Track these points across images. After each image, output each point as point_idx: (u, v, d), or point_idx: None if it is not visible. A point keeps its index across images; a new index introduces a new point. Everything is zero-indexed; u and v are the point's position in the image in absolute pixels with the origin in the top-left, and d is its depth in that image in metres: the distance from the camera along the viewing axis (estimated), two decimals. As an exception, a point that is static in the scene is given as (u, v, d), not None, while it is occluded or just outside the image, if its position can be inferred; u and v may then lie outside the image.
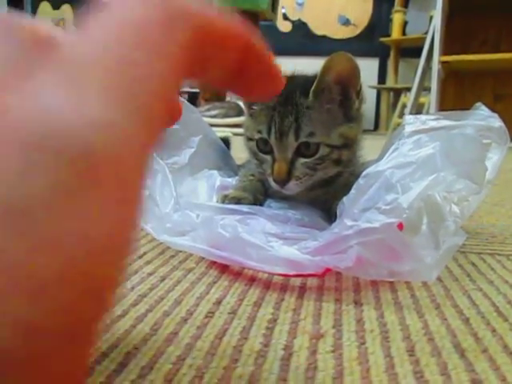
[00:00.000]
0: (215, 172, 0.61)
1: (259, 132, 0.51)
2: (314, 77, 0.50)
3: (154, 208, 0.44)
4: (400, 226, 0.33)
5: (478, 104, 0.48)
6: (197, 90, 3.54)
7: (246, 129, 0.55)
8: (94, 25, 0.12)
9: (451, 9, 2.72)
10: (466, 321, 0.30)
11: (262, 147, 0.52)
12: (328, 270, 0.34)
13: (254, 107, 0.53)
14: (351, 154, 0.52)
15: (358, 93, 0.51)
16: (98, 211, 0.10)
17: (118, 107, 0.11)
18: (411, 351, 0.26)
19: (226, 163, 0.67)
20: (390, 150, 0.39)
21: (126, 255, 0.11)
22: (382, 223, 0.33)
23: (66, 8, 5.12)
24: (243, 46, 0.16)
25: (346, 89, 0.49)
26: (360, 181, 0.39)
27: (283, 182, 0.49)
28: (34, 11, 5.05)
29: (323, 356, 0.25)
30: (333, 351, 0.26)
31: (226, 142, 0.74)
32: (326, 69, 0.48)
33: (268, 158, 0.51)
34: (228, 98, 3.54)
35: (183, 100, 0.56)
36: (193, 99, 3.47)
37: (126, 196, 0.11)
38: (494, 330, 0.29)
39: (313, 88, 0.49)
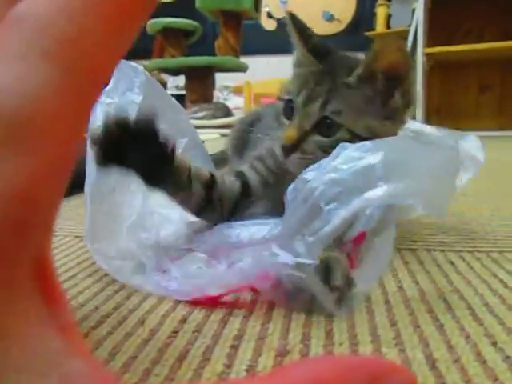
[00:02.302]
0: None
1: (289, 93, 0.48)
2: (363, 59, 0.48)
3: (109, 225, 0.42)
4: (360, 238, 0.32)
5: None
6: (183, 92, 3.53)
7: (280, 89, 0.52)
8: None
9: (434, 0, 2.72)
10: (441, 327, 0.29)
11: (287, 110, 0.49)
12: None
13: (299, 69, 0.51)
14: None
15: (404, 93, 0.47)
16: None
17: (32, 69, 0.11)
18: (380, 365, 0.25)
19: (209, 168, 0.66)
20: (334, 154, 0.36)
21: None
22: (298, 263, 0.31)
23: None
24: None
25: (392, 84, 0.46)
26: (290, 195, 0.35)
27: (288, 151, 0.45)
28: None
29: (287, 375, 0.24)
30: (298, 369, 0.25)
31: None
32: (376, 54, 0.45)
33: (287, 123, 0.48)
34: (215, 99, 3.53)
35: (172, 99, 0.54)
36: (179, 101, 3.45)
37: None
38: (468, 336, 0.28)
39: (358, 69, 0.46)
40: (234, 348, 0.27)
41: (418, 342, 0.27)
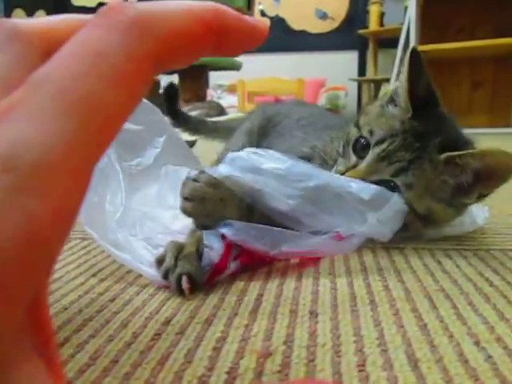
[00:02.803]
0: (179, 167, 0.60)
1: (370, 133, 0.46)
2: (466, 140, 0.46)
3: (101, 217, 0.42)
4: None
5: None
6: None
7: (365, 112, 0.50)
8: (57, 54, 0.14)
9: (425, -2, 2.73)
10: (424, 327, 0.29)
11: (357, 146, 0.46)
12: None
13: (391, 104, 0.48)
14: (421, 228, 0.46)
15: (483, 195, 0.45)
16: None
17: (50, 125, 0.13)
18: (362, 366, 0.25)
19: (190, 163, 0.66)
20: None
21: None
22: None
23: (40, 14, 5.04)
24: (214, 30, 0.17)
25: (477, 182, 0.44)
26: None
27: None
28: (7, 18, 4.97)
29: (268, 377, 0.24)
30: (279, 371, 0.24)
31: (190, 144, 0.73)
32: (480, 156, 0.42)
33: (353, 158, 0.46)
34: (209, 98, 3.52)
35: (146, 101, 0.54)
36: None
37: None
38: (451, 336, 0.28)
39: (452, 155, 0.43)
40: (217, 350, 0.27)
41: (401, 342, 0.27)
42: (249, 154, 0.41)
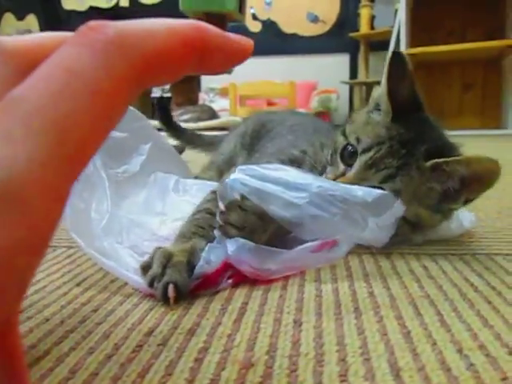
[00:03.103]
0: (168, 175, 0.60)
1: (357, 140, 0.46)
2: (452, 145, 0.47)
3: (87, 224, 0.42)
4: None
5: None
6: (169, 95, 3.51)
7: (352, 120, 0.50)
8: (36, 72, 0.14)
9: (416, 1, 2.75)
10: (407, 334, 0.29)
11: (344, 154, 0.46)
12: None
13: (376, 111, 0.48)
14: (409, 234, 0.47)
15: (469, 200, 0.46)
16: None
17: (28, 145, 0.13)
18: (344, 376, 0.25)
19: (178, 169, 0.66)
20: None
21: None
22: None
23: (30, 18, 5.01)
24: (196, 48, 0.17)
25: (464, 188, 0.44)
26: None
27: None
28: (-2, 22, 4.94)
29: (249, 389, 0.24)
30: (261, 382, 0.24)
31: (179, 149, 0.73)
32: (466, 163, 0.43)
33: (342, 166, 0.46)
34: (200, 102, 3.51)
35: (130, 108, 0.54)
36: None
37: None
38: (434, 343, 0.28)
39: (439, 162, 0.43)
40: (198, 361, 0.26)
41: (383, 350, 0.27)
42: (256, 167, 0.42)
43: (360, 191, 0.39)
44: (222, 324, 0.31)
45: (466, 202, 0.46)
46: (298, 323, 0.31)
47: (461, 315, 0.32)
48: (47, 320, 0.32)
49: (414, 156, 0.44)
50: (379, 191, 0.40)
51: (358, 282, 0.38)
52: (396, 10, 3.02)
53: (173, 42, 0.17)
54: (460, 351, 0.27)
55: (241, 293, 0.36)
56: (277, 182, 0.40)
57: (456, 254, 0.45)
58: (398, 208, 0.41)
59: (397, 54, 0.47)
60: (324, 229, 0.39)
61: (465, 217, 0.52)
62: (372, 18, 3.87)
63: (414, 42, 2.72)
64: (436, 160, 0.43)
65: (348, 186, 0.41)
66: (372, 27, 3.86)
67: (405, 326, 0.30)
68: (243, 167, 0.42)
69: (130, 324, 0.31)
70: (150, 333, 0.30)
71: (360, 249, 0.47)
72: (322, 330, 0.30)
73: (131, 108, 0.54)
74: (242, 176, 0.40)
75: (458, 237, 0.51)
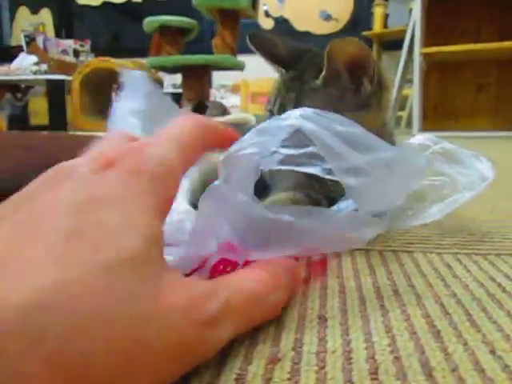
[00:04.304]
0: None
1: (268, 102, 0.51)
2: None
3: None
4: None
5: None
6: (180, 91, 3.51)
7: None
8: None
9: (430, 0, 2.72)
10: (437, 334, 0.28)
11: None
12: None
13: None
14: None
15: (371, 78, 0.48)
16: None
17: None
18: (374, 374, 0.24)
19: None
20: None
21: None
22: None
23: (44, 12, 5.04)
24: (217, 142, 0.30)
25: (358, 75, 0.47)
26: None
27: None
28: (12, 16, 4.97)
29: (278, 385, 0.23)
30: (289, 379, 0.24)
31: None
32: (329, 58, 0.46)
33: None
34: (212, 98, 3.51)
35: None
36: (176, 100, 3.44)
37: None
38: (465, 344, 0.27)
39: (322, 74, 0.47)
40: (224, 355, 0.26)
41: (413, 349, 0.26)
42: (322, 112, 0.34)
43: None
44: (244, 318, 0.30)
45: (377, 86, 0.48)
46: (322, 319, 0.30)
47: (490, 315, 0.31)
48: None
49: (304, 83, 0.48)
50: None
51: (381, 279, 0.37)
52: (410, 9, 2.99)
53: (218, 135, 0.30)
54: (493, 352, 0.26)
55: (262, 287, 0.36)
56: (345, 139, 0.32)
57: (479, 253, 0.44)
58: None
59: (252, 35, 0.53)
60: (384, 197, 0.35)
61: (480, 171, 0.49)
62: (386, 17, 3.85)
63: (427, 41, 2.69)
64: (321, 75, 0.47)
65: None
66: (385, 26, 3.84)
67: (433, 325, 0.29)
68: (303, 111, 0.33)
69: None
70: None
71: (381, 246, 0.46)
72: (347, 326, 0.29)
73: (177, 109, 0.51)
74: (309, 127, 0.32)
75: (480, 237, 0.50)
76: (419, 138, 0.52)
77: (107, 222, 0.19)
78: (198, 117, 0.28)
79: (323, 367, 0.25)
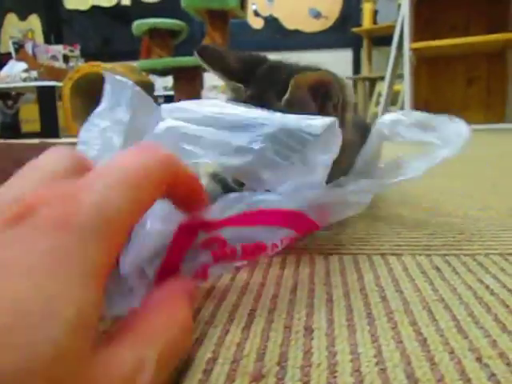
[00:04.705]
0: None
1: None
2: (294, 73, 0.47)
3: None
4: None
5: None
6: (172, 93, 3.50)
7: None
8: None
9: (419, -5, 2.72)
10: (424, 342, 0.28)
11: None
12: None
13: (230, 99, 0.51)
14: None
15: (336, 104, 0.47)
16: None
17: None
18: (359, 388, 0.24)
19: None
20: None
21: None
22: None
23: (32, 18, 5.01)
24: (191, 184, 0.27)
25: (323, 103, 0.46)
26: None
27: None
28: (0, 22, 4.93)
29: (261, 403, 0.23)
30: (272, 396, 0.23)
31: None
32: (295, 86, 0.45)
33: None
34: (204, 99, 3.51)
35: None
36: (168, 103, 3.42)
37: None
38: (451, 352, 0.27)
39: (286, 97, 0.45)
40: (207, 373, 0.25)
41: (399, 359, 0.26)
42: (186, 105, 0.36)
43: (307, 121, 0.35)
44: (230, 332, 0.30)
45: (337, 111, 0.47)
46: (308, 330, 0.30)
47: (477, 320, 0.30)
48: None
49: (269, 103, 0.45)
50: (327, 119, 0.35)
51: (369, 285, 0.37)
52: (399, 5, 2.99)
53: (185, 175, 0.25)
54: (479, 360, 0.26)
55: (249, 298, 0.35)
56: (219, 124, 0.33)
57: (468, 254, 0.44)
58: (339, 135, 0.36)
59: (200, 48, 0.50)
60: (281, 177, 0.35)
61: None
62: (375, 13, 3.85)
63: (417, 36, 2.70)
64: (284, 97, 0.45)
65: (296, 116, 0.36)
66: (375, 22, 3.84)
67: (420, 333, 0.29)
68: (168, 107, 0.36)
69: (135, 333, 0.31)
70: (156, 342, 0.29)
71: (369, 250, 0.46)
72: (334, 337, 0.29)
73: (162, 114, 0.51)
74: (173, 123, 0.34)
75: (469, 236, 0.49)
76: (390, 115, 0.52)
77: (10, 306, 0.13)
78: (163, 152, 0.22)
79: (308, 382, 0.24)
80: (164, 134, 0.33)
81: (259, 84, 0.48)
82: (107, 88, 0.36)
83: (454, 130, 0.48)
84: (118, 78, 0.37)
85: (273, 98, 0.46)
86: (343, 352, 0.27)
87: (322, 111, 0.46)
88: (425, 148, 0.49)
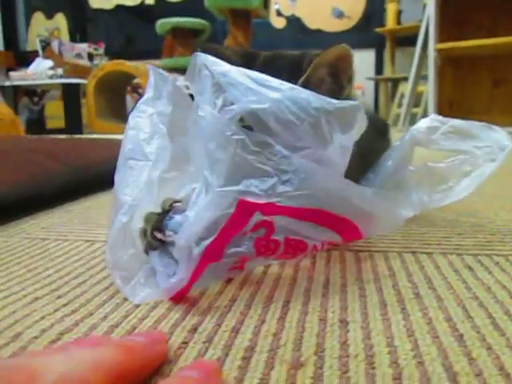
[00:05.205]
0: None
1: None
2: (301, 58, 0.47)
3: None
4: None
5: None
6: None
7: None
8: None
9: (445, -5, 2.68)
10: (460, 338, 0.28)
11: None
12: None
13: None
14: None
15: (350, 79, 0.48)
16: None
17: None
18: (398, 379, 0.24)
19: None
20: None
21: None
22: None
23: (59, 17, 5.10)
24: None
25: (338, 77, 0.47)
26: None
27: None
28: (27, 21, 5.05)
29: (301, 390, 0.23)
30: (312, 383, 0.24)
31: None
32: (319, 64, 0.45)
33: None
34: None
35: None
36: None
37: None
38: (489, 348, 0.27)
39: (303, 79, 0.45)
40: (246, 360, 0.26)
41: (437, 353, 0.26)
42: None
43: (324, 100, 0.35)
44: (265, 322, 0.31)
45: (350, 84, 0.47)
46: (344, 323, 0.30)
47: (514, 319, 0.30)
48: (91, 314, 0.33)
49: None
50: (345, 102, 0.36)
51: (401, 282, 0.37)
52: (424, 5, 2.95)
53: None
54: (518, 356, 0.26)
55: (281, 292, 0.36)
56: (248, 77, 0.35)
57: (501, 254, 0.44)
58: (363, 121, 0.37)
59: (204, 47, 0.47)
60: (291, 136, 0.35)
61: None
62: (399, 13, 3.80)
63: (442, 36, 2.65)
64: (296, 73, 0.44)
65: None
66: (399, 22, 3.79)
67: (456, 329, 0.29)
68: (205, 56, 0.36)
69: (173, 320, 0.31)
70: (194, 329, 0.30)
71: (399, 247, 0.46)
72: (369, 330, 0.29)
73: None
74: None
75: (501, 237, 0.49)
76: (426, 121, 0.52)
77: None
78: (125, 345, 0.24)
79: (346, 371, 0.25)
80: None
81: (263, 70, 0.47)
82: (151, 79, 0.37)
83: (494, 139, 0.48)
84: (160, 71, 0.38)
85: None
86: (380, 345, 0.27)
87: (336, 86, 0.46)
88: (460, 156, 0.49)
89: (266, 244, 0.34)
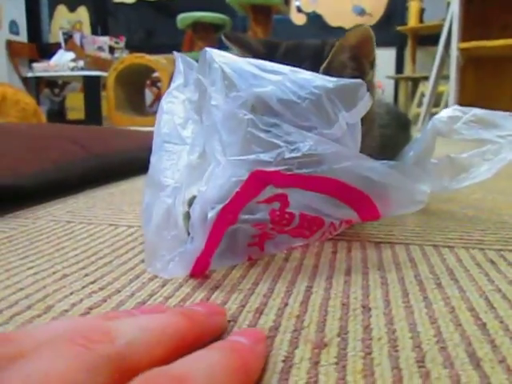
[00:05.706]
0: None
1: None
2: (322, 46, 0.48)
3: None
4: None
5: None
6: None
7: None
8: None
9: (470, -7, 2.64)
10: (483, 326, 0.28)
11: None
12: None
13: None
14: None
15: (372, 63, 0.48)
16: None
17: None
18: (421, 362, 0.24)
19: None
20: None
21: None
22: None
23: (81, 10, 5.16)
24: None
25: (360, 62, 0.47)
26: None
27: None
28: (50, 14, 5.12)
29: (325, 368, 0.24)
30: (336, 363, 0.24)
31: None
32: (341, 47, 0.45)
33: None
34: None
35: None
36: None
37: None
38: (513, 337, 0.27)
39: (324, 65, 0.45)
40: (270, 339, 0.27)
41: (460, 340, 0.26)
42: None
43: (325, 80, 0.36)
44: (288, 305, 0.31)
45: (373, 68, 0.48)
46: (366, 308, 0.31)
47: (538, 311, 0.30)
48: (119, 291, 0.34)
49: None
50: (347, 80, 0.37)
51: (423, 272, 0.37)
52: (448, 3, 2.90)
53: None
54: (542, 346, 0.26)
55: (304, 277, 0.36)
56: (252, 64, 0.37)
57: (524, 250, 0.43)
58: (367, 99, 0.37)
59: (227, 34, 0.49)
60: (294, 116, 0.36)
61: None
62: (421, 11, 3.75)
63: (466, 36, 2.61)
64: (319, 61, 0.45)
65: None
66: (421, 21, 3.74)
67: (479, 318, 0.29)
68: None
69: (198, 299, 0.32)
70: (218, 309, 0.31)
71: (421, 240, 0.46)
72: (392, 316, 0.29)
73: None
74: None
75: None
76: (447, 111, 0.51)
77: None
78: (190, 313, 0.24)
79: (370, 353, 0.25)
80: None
81: (285, 59, 0.47)
82: (179, 66, 0.38)
83: None
84: (188, 59, 0.38)
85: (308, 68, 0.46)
86: (402, 330, 0.28)
87: (358, 70, 0.46)
88: (480, 145, 0.49)
89: (280, 214, 0.34)
